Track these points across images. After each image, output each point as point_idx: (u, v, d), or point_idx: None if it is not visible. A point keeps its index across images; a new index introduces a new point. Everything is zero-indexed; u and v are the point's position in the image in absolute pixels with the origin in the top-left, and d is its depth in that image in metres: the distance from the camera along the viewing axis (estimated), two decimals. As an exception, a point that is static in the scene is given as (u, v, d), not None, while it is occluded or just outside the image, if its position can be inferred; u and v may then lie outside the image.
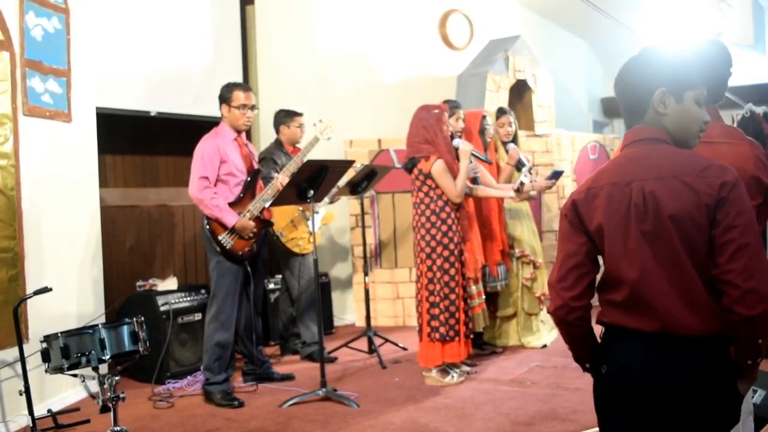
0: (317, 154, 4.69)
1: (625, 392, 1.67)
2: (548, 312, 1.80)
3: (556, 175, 4.88)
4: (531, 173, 4.86)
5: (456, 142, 4.41)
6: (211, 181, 4.05)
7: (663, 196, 1.64)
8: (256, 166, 4.32)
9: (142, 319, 3.18)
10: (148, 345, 3.17)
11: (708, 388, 1.61)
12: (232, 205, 4.10)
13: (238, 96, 4.14)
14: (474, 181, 4.63)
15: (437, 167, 4.16)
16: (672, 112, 1.72)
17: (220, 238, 4.06)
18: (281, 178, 4.29)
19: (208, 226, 4.07)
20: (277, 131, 5.13)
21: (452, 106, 4.60)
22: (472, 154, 4.38)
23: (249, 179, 4.20)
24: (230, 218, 4.06)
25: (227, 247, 4.07)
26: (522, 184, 4.56)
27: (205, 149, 4.07)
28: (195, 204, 4.12)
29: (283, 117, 5.10)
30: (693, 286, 1.62)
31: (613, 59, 1.84)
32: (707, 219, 1.61)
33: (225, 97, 4.17)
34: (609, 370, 1.71)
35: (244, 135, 4.28)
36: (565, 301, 1.73)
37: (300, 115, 5.11)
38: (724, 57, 2.09)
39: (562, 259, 1.75)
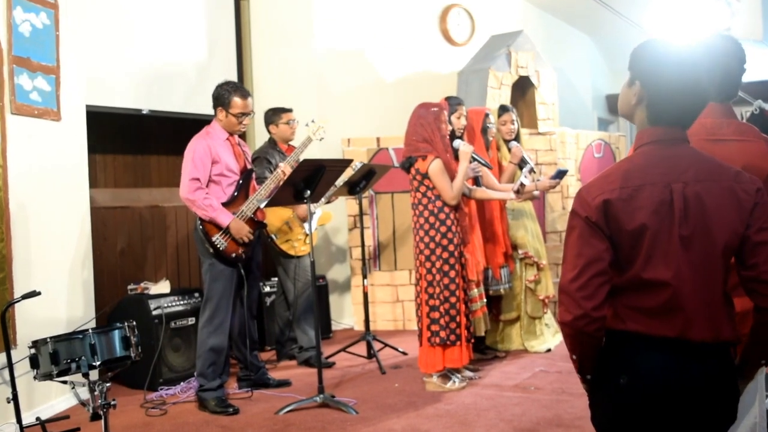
0: (314, 152, 4.69)
1: (650, 402, 1.66)
2: (561, 321, 1.73)
3: (560, 174, 4.88)
4: (533, 173, 4.85)
5: (457, 143, 4.40)
6: (203, 182, 4.05)
7: (707, 200, 1.65)
8: (249, 166, 4.32)
9: (134, 323, 3.17)
10: (140, 350, 3.16)
11: (722, 390, 1.66)
12: (224, 205, 4.10)
13: (237, 103, 4.14)
14: (476, 181, 4.63)
15: (434, 167, 4.16)
16: None
17: (214, 239, 4.05)
18: (283, 167, 4.29)
19: (201, 227, 4.07)
20: (268, 130, 5.13)
21: (454, 103, 4.59)
22: (473, 157, 4.37)
23: (242, 179, 4.20)
24: (224, 218, 4.06)
25: (221, 249, 4.07)
26: (522, 185, 4.55)
27: (195, 150, 4.06)
28: (187, 206, 4.11)
29: (271, 116, 5.10)
30: (719, 293, 1.66)
31: (618, 55, 1.83)
32: (743, 225, 1.65)
33: (222, 101, 4.15)
34: (631, 381, 1.68)
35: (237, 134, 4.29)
36: (585, 311, 1.66)
37: (288, 111, 5.09)
38: (737, 53, 2.09)
39: (583, 266, 1.68)
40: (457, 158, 4.38)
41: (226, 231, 4.09)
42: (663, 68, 1.71)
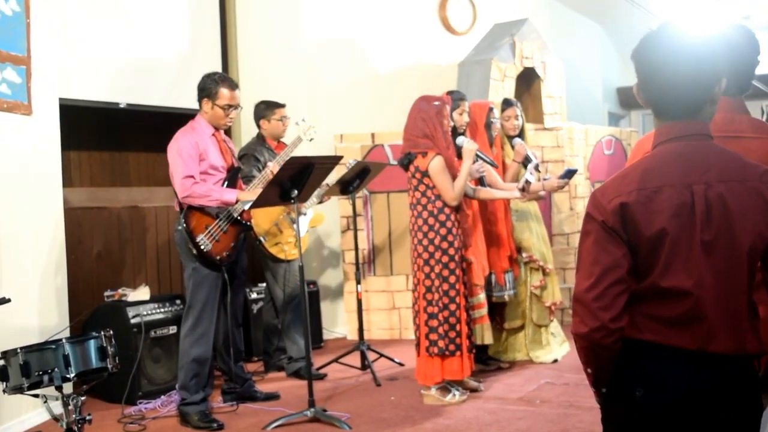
0: (304, 149, 4.69)
1: (668, 416, 1.66)
2: (576, 334, 1.71)
3: (570, 174, 4.88)
4: (538, 170, 4.86)
5: (460, 140, 4.41)
6: (197, 177, 4.06)
7: (730, 202, 1.64)
8: (235, 163, 4.33)
9: (111, 332, 3.17)
10: (117, 361, 3.16)
11: (744, 404, 1.67)
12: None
13: (224, 94, 4.15)
14: (480, 181, 4.63)
15: (435, 164, 4.17)
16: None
17: (198, 239, 4.06)
18: (272, 166, 4.30)
19: (184, 226, 4.07)
20: (258, 125, 5.14)
21: (457, 98, 4.60)
22: (477, 155, 4.38)
23: (228, 178, 4.21)
24: (229, 195, 4.10)
25: (205, 250, 4.07)
26: (528, 182, 4.55)
27: (181, 147, 4.07)
28: (196, 203, 4.08)
29: (263, 110, 5.10)
30: (744, 303, 1.66)
31: (631, 45, 1.83)
32: None
33: (208, 92, 4.16)
34: (647, 393, 1.67)
35: (222, 130, 4.29)
36: (603, 323, 1.65)
37: (282, 106, 5.11)
38: (751, 44, 2.10)
39: (600, 274, 1.67)
40: (459, 156, 4.38)
41: (212, 232, 4.09)
42: (656, 58, 1.71)
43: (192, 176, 4.03)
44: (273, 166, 4.34)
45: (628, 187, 1.68)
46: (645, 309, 1.68)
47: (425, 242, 4.22)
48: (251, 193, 4.11)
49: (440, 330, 4.16)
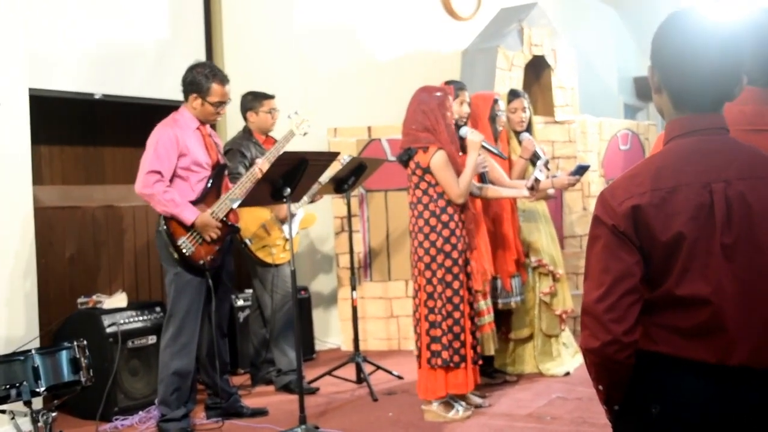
0: (295, 144, 4.69)
1: None
2: (586, 348, 1.71)
3: (581, 170, 4.89)
4: (548, 168, 4.86)
5: (464, 131, 4.42)
6: (165, 177, 4.06)
7: (753, 202, 1.63)
8: (221, 160, 4.33)
9: (85, 343, 3.17)
10: (91, 374, 3.16)
11: None
12: (192, 205, 4.10)
13: (216, 90, 4.17)
14: (482, 177, 4.63)
15: (437, 160, 4.17)
16: None
17: (180, 242, 4.06)
18: (261, 164, 4.30)
19: (165, 227, 4.07)
20: (245, 118, 5.14)
21: (456, 88, 4.61)
22: (483, 146, 4.39)
23: (213, 175, 4.20)
24: (188, 214, 4.07)
25: (187, 254, 4.07)
26: (537, 180, 4.56)
27: (160, 139, 4.07)
28: (146, 202, 4.11)
29: (251, 101, 5.11)
30: (767, 312, 1.63)
31: (649, 32, 1.82)
32: None
33: (198, 87, 4.16)
34: (663, 410, 1.66)
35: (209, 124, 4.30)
36: (616, 337, 1.64)
37: (271, 97, 5.12)
38: None
39: (611, 283, 1.65)
40: (464, 150, 4.39)
41: (194, 233, 4.09)
42: (678, 45, 1.70)
43: (159, 172, 4.03)
44: (262, 164, 4.34)
45: (641, 187, 1.67)
46: (659, 318, 1.67)
47: (426, 245, 4.22)
48: (208, 220, 4.09)
49: (444, 340, 4.16)
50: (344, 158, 4.89)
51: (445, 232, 4.21)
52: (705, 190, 1.64)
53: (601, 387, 1.75)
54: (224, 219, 4.20)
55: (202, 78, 4.16)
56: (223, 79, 4.21)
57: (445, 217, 4.21)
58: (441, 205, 4.22)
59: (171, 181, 4.09)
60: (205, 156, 4.19)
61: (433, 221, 4.22)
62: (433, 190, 4.22)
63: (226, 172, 4.41)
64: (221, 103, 4.20)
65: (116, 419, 4.44)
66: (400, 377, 5.15)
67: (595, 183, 6.65)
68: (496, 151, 4.54)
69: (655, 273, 1.67)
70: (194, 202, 4.12)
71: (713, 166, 1.66)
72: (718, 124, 1.72)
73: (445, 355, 4.16)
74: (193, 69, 4.21)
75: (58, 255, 5.12)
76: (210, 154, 4.22)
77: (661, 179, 1.66)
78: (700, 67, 1.68)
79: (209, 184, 4.19)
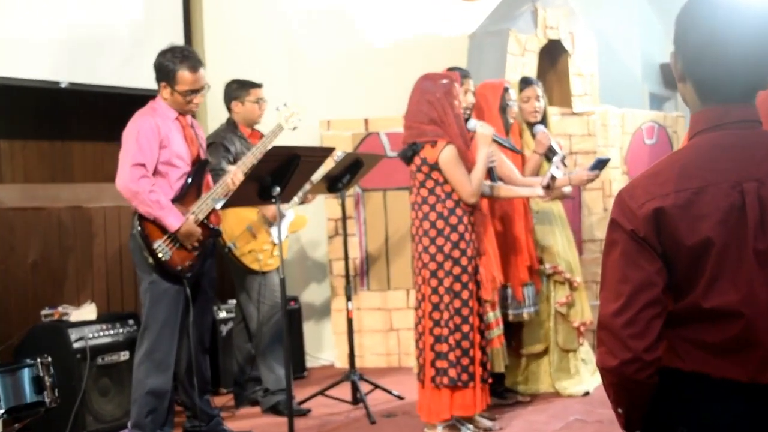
0: (285, 138, 4.69)
1: None
2: (603, 367, 1.70)
3: (600, 164, 4.90)
4: (565, 164, 4.86)
5: (472, 124, 4.41)
6: (149, 169, 4.07)
7: None
8: (203, 155, 4.33)
9: (49, 359, 3.15)
10: (56, 395, 3.14)
11: None
12: (171, 203, 4.11)
13: (185, 78, 4.16)
14: (489, 174, 4.61)
15: (447, 156, 4.16)
16: None
17: (155, 246, 4.06)
18: (234, 174, 4.28)
19: (140, 229, 4.07)
20: (229, 109, 5.14)
21: (460, 75, 4.60)
22: (494, 141, 4.38)
23: (194, 171, 4.21)
24: (173, 220, 4.07)
25: (163, 259, 4.07)
26: (553, 178, 4.56)
27: (140, 129, 4.08)
28: (127, 199, 4.10)
29: (236, 90, 5.12)
30: None
31: (676, 12, 1.81)
32: None
33: (166, 75, 4.17)
34: None
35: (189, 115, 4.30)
36: (636, 354, 1.63)
37: (258, 86, 5.13)
38: None
39: (630, 294, 1.64)
40: (471, 143, 4.38)
41: (173, 237, 4.08)
42: (703, 26, 1.69)
43: (143, 165, 4.03)
44: (235, 172, 4.32)
45: (663, 188, 1.66)
46: (685, 332, 1.67)
47: (432, 250, 4.21)
48: (193, 229, 4.10)
49: (451, 356, 4.15)
50: (338, 154, 4.89)
51: (454, 236, 4.20)
52: (735, 190, 1.63)
53: (620, 410, 1.75)
54: (205, 221, 4.19)
55: (168, 64, 4.16)
56: (194, 65, 4.19)
57: (453, 219, 4.21)
58: (449, 206, 4.22)
59: (153, 175, 4.09)
60: (185, 149, 4.20)
61: (440, 224, 4.21)
62: (440, 189, 4.22)
63: (208, 168, 4.41)
64: (192, 92, 4.17)
65: (85, 444, 4.44)
66: (400, 397, 5.14)
67: (617, 181, 6.65)
68: (508, 145, 4.53)
69: (680, 282, 1.66)
70: (172, 201, 4.13)
71: (744, 164, 1.65)
72: (750, 117, 1.71)
73: (452, 372, 4.15)
74: (162, 55, 4.21)
75: (19, 261, 5.11)
76: (190, 148, 4.23)
77: (686, 178, 1.66)
78: (730, 53, 1.67)
79: (189, 181, 4.20)
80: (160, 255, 4.07)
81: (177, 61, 4.16)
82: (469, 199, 4.21)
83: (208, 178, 4.42)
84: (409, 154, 4.29)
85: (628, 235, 1.67)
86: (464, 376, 4.16)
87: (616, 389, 1.71)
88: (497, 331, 4.55)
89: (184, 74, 4.15)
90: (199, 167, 4.25)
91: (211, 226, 4.25)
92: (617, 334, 1.65)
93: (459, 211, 4.22)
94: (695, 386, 1.67)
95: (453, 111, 4.22)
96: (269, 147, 4.44)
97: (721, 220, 1.62)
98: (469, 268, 4.21)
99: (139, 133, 4.06)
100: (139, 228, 4.07)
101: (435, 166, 4.20)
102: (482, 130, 4.35)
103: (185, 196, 4.17)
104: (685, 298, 1.67)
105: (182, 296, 4.16)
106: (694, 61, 1.72)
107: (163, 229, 4.08)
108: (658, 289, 1.65)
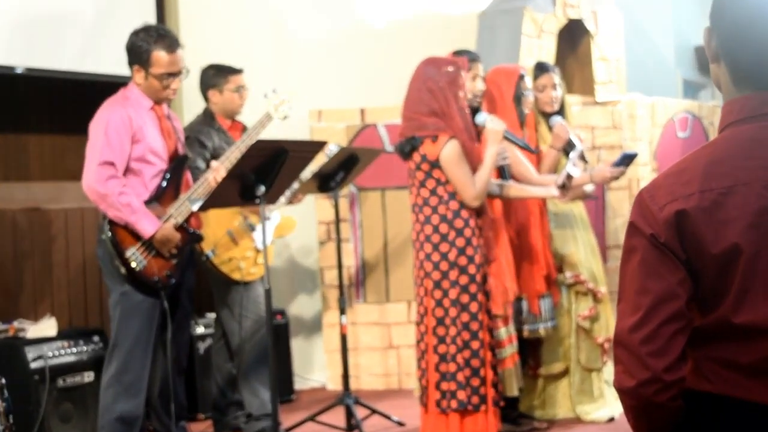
0: (270, 131, 4.71)
1: None
2: (620, 388, 1.70)
3: (627, 159, 4.90)
4: (584, 160, 4.88)
5: (481, 117, 4.42)
6: (119, 168, 4.07)
7: None
8: (181, 149, 4.34)
9: (3, 381, 3.17)
10: (11, 421, 3.17)
11: None
12: (146, 205, 4.12)
13: (161, 59, 4.16)
14: (502, 172, 4.63)
15: (450, 152, 4.19)
16: None
17: (128, 254, 4.07)
18: (217, 171, 4.30)
19: (110, 235, 4.07)
20: (206, 98, 5.14)
21: (468, 59, 4.61)
22: (506, 138, 4.41)
23: (171, 169, 4.22)
24: (147, 225, 4.08)
25: (137, 269, 4.08)
26: (569, 177, 4.56)
27: (110, 121, 4.08)
28: (94, 202, 4.11)
29: (213, 77, 5.10)
30: None
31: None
32: None
33: (139, 56, 4.17)
34: None
35: (165, 104, 4.32)
36: (656, 374, 1.63)
37: (238, 72, 5.11)
38: None
39: (649, 307, 1.65)
40: (479, 139, 4.40)
41: (148, 243, 4.11)
42: (743, 1, 1.69)
43: (112, 163, 4.04)
44: (218, 168, 4.33)
45: (687, 187, 1.66)
46: (713, 351, 1.68)
47: (436, 257, 4.24)
48: (170, 234, 4.12)
49: (459, 377, 4.17)
50: (331, 148, 4.91)
51: (460, 242, 4.23)
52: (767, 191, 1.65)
53: None
54: (184, 224, 4.23)
55: (142, 44, 4.17)
56: (171, 45, 4.20)
57: (458, 223, 4.24)
58: (453, 208, 4.24)
59: (124, 174, 4.10)
60: (161, 144, 4.21)
61: (443, 228, 4.24)
62: (443, 190, 4.24)
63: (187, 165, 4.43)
64: (169, 75, 4.18)
65: (44, 477, 4.47)
66: (401, 423, 5.16)
67: (645, 180, 6.64)
68: (522, 144, 4.54)
69: (707, 294, 1.67)
70: (147, 202, 4.13)
71: None
72: None
73: (461, 395, 4.17)
74: (134, 34, 4.21)
75: (-30, 270, 5.13)
76: (167, 142, 4.24)
77: (712, 177, 1.66)
78: (754, 33, 1.68)
79: (166, 180, 4.20)
80: (133, 264, 4.07)
81: (152, 41, 4.17)
82: (471, 202, 4.22)
83: (188, 176, 4.42)
84: (407, 149, 4.30)
85: (648, 241, 1.68)
86: (475, 399, 4.17)
87: (636, 413, 1.71)
88: (510, 350, 4.56)
89: (159, 55, 4.16)
90: (177, 164, 4.25)
91: (191, 230, 4.27)
92: (635, 352, 1.66)
93: (465, 214, 4.24)
94: (724, 411, 1.67)
95: (457, 102, 4.23)
96: (256, 139, 4.47)
97: (750, 224, 1.62)
98: (478, 278, 4.22)
99: (108, 126, 4.06)
100: (110, 233, 4.07)
101: (436, 164, 4.21)
102: (492, 125, 4.36)
103: (162, 197, 4.18)
104: (713, 312, 1.67)
105: (157, 310, 4.16)
106: (730, 40, 1.71)
107: (137, 235, 4.10)
108: (681, 302, 1.65)
